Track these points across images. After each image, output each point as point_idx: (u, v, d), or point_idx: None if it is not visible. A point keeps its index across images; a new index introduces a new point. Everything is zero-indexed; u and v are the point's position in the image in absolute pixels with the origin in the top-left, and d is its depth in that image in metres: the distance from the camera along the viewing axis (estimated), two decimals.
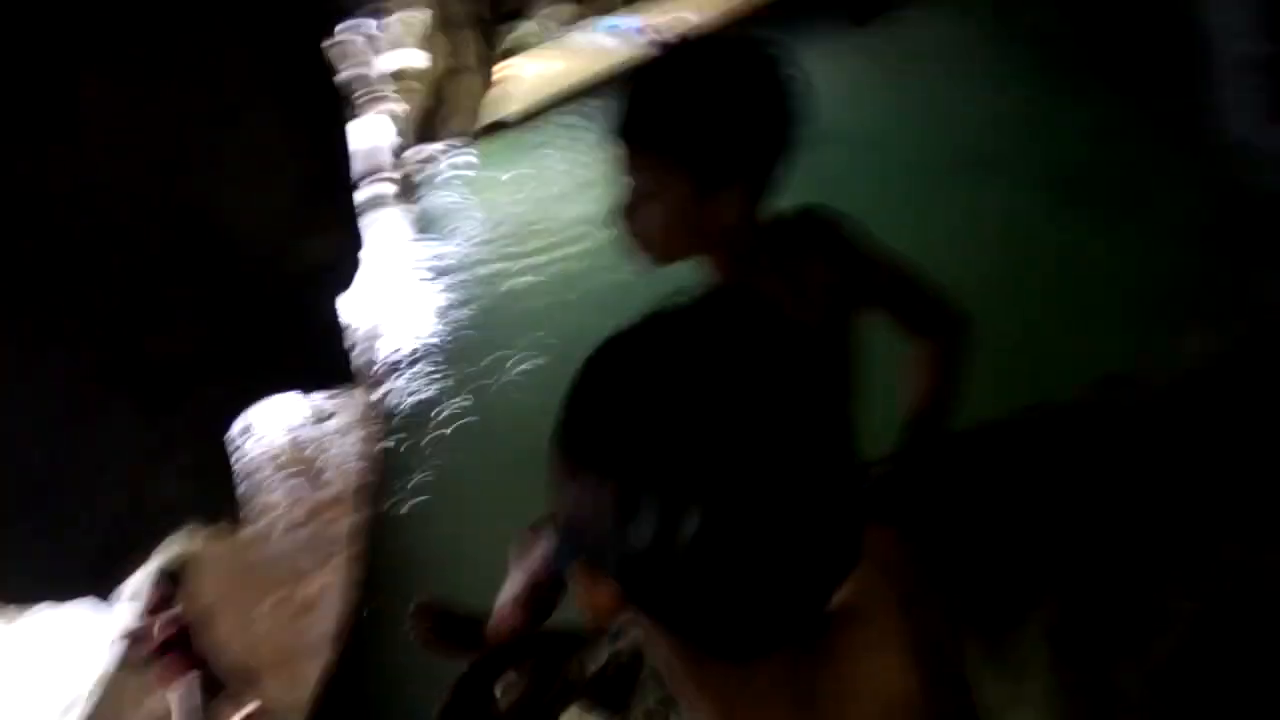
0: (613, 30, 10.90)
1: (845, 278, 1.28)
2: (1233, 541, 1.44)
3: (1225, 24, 1.71)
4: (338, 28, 5.10)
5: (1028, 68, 9.76)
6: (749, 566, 0.56)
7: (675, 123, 1.05)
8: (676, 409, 0.56)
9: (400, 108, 10.00)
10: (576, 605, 0.69)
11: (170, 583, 4.44)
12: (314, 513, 6.06)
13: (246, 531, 3.29)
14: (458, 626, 1.98)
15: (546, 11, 11.58)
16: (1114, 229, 7.44)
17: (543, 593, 1.72)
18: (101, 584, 2.09)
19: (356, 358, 3.34)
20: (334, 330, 2.95)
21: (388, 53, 10.32)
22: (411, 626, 1.96)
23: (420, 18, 11.07)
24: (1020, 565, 1.49)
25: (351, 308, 3.06)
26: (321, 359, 2.93)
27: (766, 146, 1.09)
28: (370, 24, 9.38)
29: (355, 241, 2.75)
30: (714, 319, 0.61)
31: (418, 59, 10.19)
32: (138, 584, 4.40)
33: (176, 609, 4.53)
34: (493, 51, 5.53)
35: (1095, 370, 2.25)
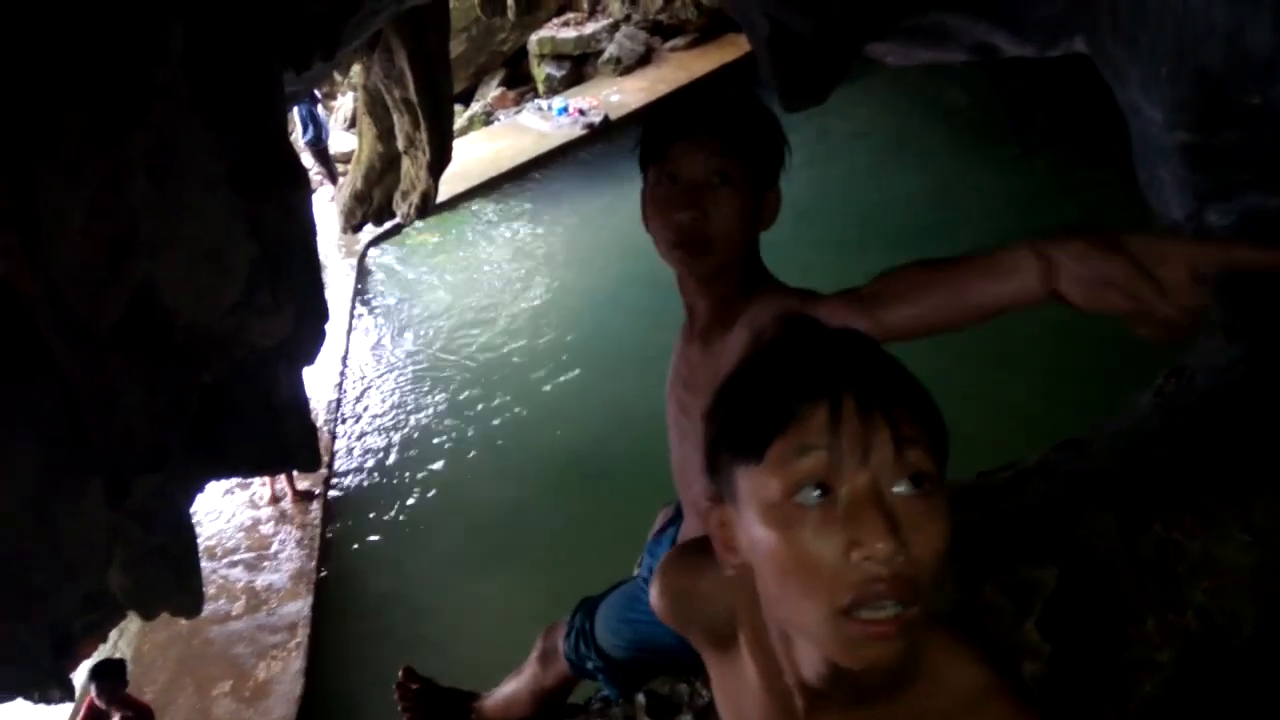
0: (549, 112, 11.22)
1: None
2: (1200, 579, 1.50)
3: (1147, 109, 1.84)
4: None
5: (950, 143, 10.22)
6: None
7: (743, 124, 1.23)
8: None
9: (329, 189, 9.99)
10: None
11: (120, 671, 4.29)
12: (261, 599, 5.85)
13: (197, 618, 3.15)
14: (441, 702, 1.95)
15: (487, 97, 11.83)
16: None
17: (555, 695, 1.83)
18: (59, 671, 1.99)
19: (312, 437, 3.28)
20: (295, 407, 2.90)
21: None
22: (397, 700, 1.92)
23: (346, 103, 11.12)
24: (1009, 617, 1.54)
25: (312, 383, 2.99)
26: (282, 437, 2.87)
27: (781, 161, 1.27)
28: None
29: (320, 314, 2.73)
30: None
31: (345, 143, 10.20)
32: (89, 672, 4.21)
33: (131, 697, 4.36)
34: (442, 136, 5.60)
35: (1043, 430, 2.36)
